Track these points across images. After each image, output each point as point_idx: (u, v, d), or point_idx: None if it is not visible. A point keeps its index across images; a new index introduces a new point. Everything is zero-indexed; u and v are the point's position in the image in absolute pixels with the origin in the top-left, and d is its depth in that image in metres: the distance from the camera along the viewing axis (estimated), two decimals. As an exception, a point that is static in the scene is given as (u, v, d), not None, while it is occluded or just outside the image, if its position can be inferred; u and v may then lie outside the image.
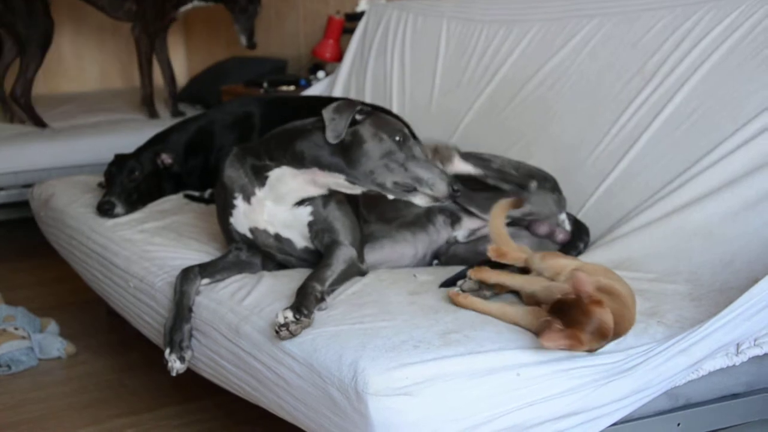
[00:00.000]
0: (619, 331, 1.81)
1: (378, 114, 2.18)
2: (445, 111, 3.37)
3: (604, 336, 1.75)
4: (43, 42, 4.70)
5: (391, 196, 2.14)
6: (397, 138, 2.11)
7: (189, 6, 4.91)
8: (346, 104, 2.15)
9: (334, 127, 2.11)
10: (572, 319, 1.73)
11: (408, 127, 3.20)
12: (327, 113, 2.12)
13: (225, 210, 2.36)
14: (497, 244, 2.12)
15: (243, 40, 4.73)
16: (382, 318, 1.91)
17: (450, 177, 2.10)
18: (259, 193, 2.26)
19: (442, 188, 2.08)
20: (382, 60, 3.79)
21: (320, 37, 4.79)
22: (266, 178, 2.24)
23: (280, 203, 2.26)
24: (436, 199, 2.10)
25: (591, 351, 1.78)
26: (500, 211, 2.19)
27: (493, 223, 2.17)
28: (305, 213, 2.26)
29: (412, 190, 2.10)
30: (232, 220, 2.35)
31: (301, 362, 1.84)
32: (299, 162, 2.18)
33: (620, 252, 2.32)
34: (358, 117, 2.14)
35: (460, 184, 2.12)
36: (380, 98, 3.68)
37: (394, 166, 2.10)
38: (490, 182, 2.35)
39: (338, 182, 2.17)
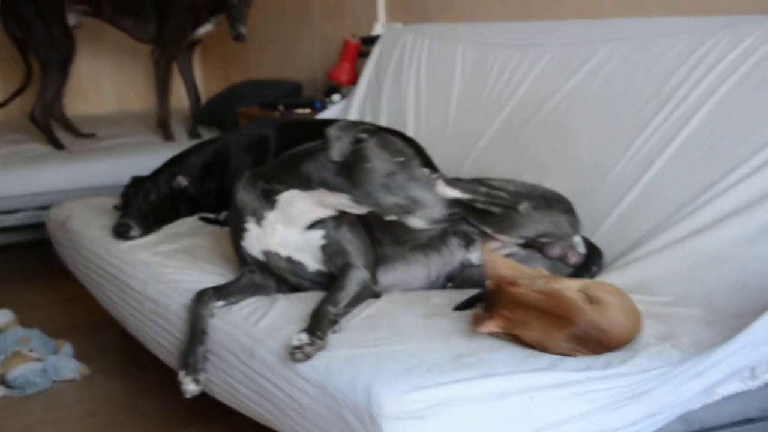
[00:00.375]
0: (601, 340, 1.84)
1: (382, 134, 2.19)
2: (460, 134, 3.37)
3: (520, 303, 1.88)
4: (63, 65, 4.75)
5: (390, 217, 2.14)
6: (399, 159, 2.12)
7: (207, 27, 4.93)
8: (351, 123, 2.17)
9: (338, 146, 2.12)
10: (492, 302, 1.93)
11: (421, 151, 3.21)
12: (331, 131, 2.14)
13: (237, 233, 2.37)
14: (514, 274, 2.12)
15: (230, 33, 4.73)
16: (396, 341, 1.91)
17: (448, 200, 2.11)
18: (270, 216, 2.28)
19: (438, 210, 2.09)
20: (398, 83, 3.81)
21: (336, 60, 4.81)
22: (276, 201, 2.26)
23: (291, 226, 2.27)
24: (431, 221, 2.10)
25: (553, 347, 1.85)
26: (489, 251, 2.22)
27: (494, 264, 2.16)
28: (317, 236, 2.27)
29: (410, 211, 2.11)
30: (244, 243, 2.36)
31: (315, 385, 1.84)
32: (306, 183, 2.19)
33: (635, 275, 2.31)
34: (362, 136, 2.15)
35: (462, 207, 2.12)
36: (396, 121, 3.69)
37: (394, 187, 2.10)
38: (479, 206, 2.34)
39: (343, 203, 2.18)
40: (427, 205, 2.09)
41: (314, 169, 2.17)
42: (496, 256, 2.19)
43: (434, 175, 2.25)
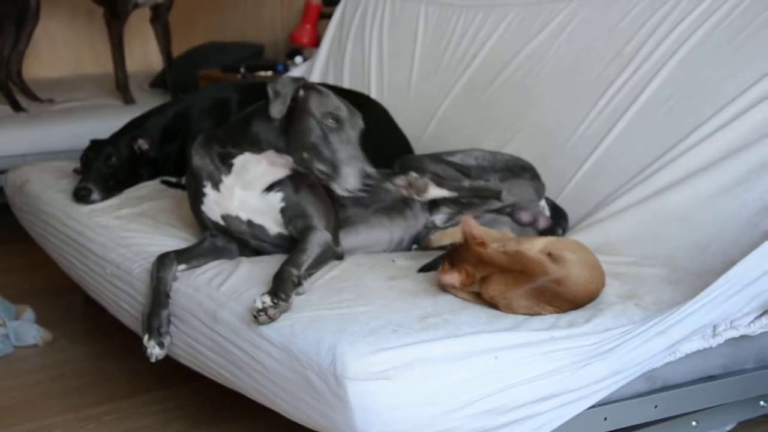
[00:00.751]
0: (560, 292, 1.87)
1: (320, 91, 2.15)
2: (423, 96, 3.36)
3: (485, 262, 1.91)
4: (18, 19, 4.64)
5: (320, 180, 2.14)
6: (330, 122, 2.10)
7: None
8: (290, 80, 2.13)
9: (277, 103, 2.09)
10: (459, 258, 1.95)
11: (385, 113, 3.20)
12: (270, 88, 2.11)
13: (196, 198, 2.36)
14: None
15: None
16: (361, 303, 1.91)
17: (365, 171, 2.07)
18: (227, 180, 2.26)
19: (352, 182, 2.06)
20: (360, 45, 3.78)
21: (298, 22, 4.77)
22: (232, 165, 2.24)
23: (248, 189, 2.25)
24: (346, 191, 2.08)
25: (493, 299, 1.89)
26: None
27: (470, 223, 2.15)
28: (277, 199, 2.25)
29: (331, 178, 2.09)
30: (203, 207, 2.35)
31: (279, 347, 1.83)
32: (257, 145, 2.18)
33: (598, 236, 2.33)
34: (301, 92, 2.12)
35: (376, 178, 2.10)
36: (359, 83, 3.67)
37: (322, 150, 2.09)
38: (464, 201, 2.36)
39: (290, 164, 2.17)
40: (343, 175, 2.07)
41: (262, 130, 2.16)
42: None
43: (424, 179, 2.24)
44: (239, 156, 2.22)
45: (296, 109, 2.11)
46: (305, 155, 2.10)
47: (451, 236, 2.21)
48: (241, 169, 2.23)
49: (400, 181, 2.25)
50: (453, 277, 1.94)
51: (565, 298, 1.89)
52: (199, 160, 2.30)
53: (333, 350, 1.70)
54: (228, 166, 2.25)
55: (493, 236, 2.12)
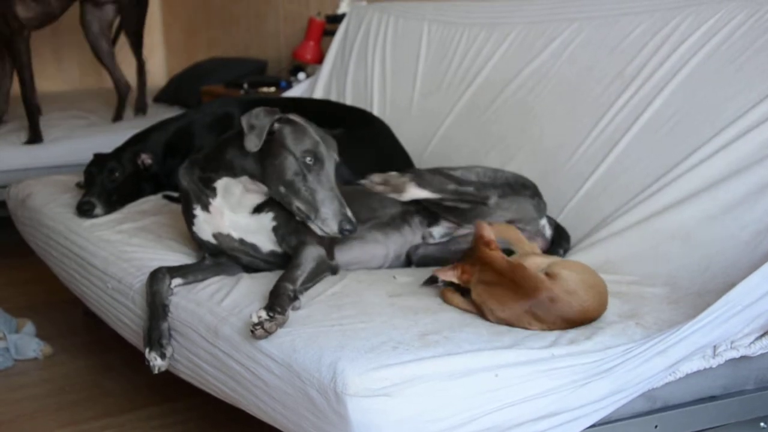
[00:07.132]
0: (551, 313, 1.88)
1: (297, 125, 2.15)
2: (425, 113, 3.37)
3: (485, 263, 1.96)
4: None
5: (297, 218, 2.14)
6: (308, 159, 2.10)
7: None
8: (265, 112, 2.12)
9: (251, 137, 2.09)
10: (464, 256, 2.04)
11: (387, 130, 3.20)
12: (245, 120, 2.10)
13: (188, 219, 2.38)
14: (517, 247, 2.18)
15: None
16: (361, 319, 1.91)
17: (345, 215, 2.09)
18: (214, 202, 2.28)
19: (331, 227, 2.09)
20: (363, 62, 3.79)
21: (301, 38, 4.78)
22: (215, 188, 2.26)
23: (237, 211, 2.27)
24: (323, 233, 2.11)
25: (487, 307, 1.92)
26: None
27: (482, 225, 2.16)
28: (268, 219, 2.27)
29: (309, 218, 2.11)
30: (194, 228, 2.37)
31: (280, 363, 1.83)
32: (232, 171, 2.19)
33: (600, 255, 2.33)
34: (276, 125, 2.12)
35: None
36: (361, 100, 3.68)
37: (300, 188, 2.10)
38: (449, 204, 2.34)
39: (264, 191, 2.18)
40: (322, 218, 2.09)
41: (236, 157, 2.16)
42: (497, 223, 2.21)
43: (405, 177, 2.23)
44: (219, 180, 2.23)
45: (273, 143, 2.11)
46: (282, 189, 2.12)
47: None
48: (225, 191, 2.25)
49: (376, 177, 2.22)
50: (447, 274, 2.01)
51: (555, 318, 1.89)
52: (186, 182, 2.33)
53: (334, 366, 1.70)
54: (212, 190, 2.26)
55: (523, 247, 2.15)
